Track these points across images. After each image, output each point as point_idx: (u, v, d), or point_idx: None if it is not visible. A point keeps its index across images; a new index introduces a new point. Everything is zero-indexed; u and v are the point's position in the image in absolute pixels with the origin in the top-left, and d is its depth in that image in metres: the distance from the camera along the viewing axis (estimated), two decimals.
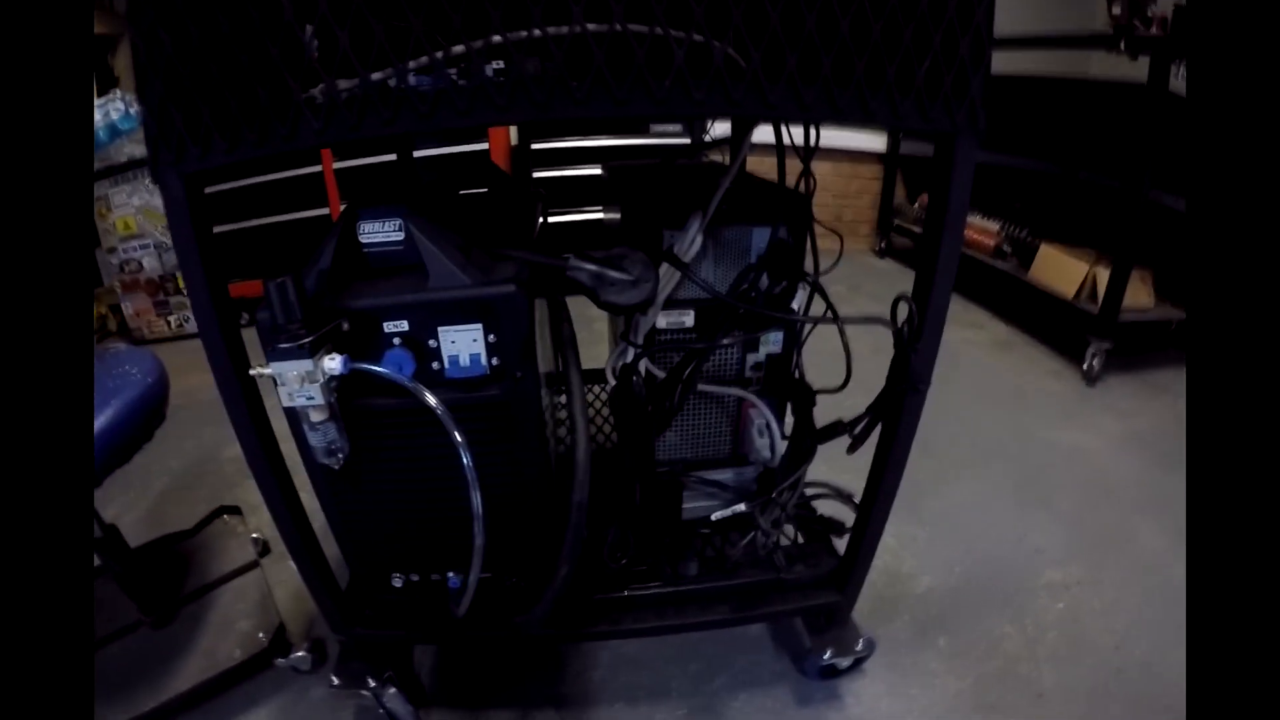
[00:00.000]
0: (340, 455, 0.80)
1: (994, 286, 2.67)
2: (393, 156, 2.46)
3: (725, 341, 0.87)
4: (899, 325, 0.84)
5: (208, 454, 1.81)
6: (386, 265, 0.78)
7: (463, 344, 0.75)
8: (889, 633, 1.27)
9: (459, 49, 0.59)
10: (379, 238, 0.78)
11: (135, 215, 2.46)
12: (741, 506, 0.94)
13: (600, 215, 2.73)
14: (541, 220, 1.15)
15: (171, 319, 2.64)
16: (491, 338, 0.75)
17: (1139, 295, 2.19)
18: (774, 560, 1.00)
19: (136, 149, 2.40)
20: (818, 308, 0.93)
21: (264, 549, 1.38)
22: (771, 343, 0.92)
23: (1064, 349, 2.35)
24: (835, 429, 0.92)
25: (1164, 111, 1.89)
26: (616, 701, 1.10)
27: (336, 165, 2.47)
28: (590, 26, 0.57)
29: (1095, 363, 2.13)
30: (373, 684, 0.99)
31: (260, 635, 1.14)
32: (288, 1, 0.58)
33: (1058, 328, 2.44)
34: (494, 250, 0.79)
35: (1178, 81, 1.89)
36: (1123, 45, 1.97)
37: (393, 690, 1.01)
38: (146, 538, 1.39)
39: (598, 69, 0.59)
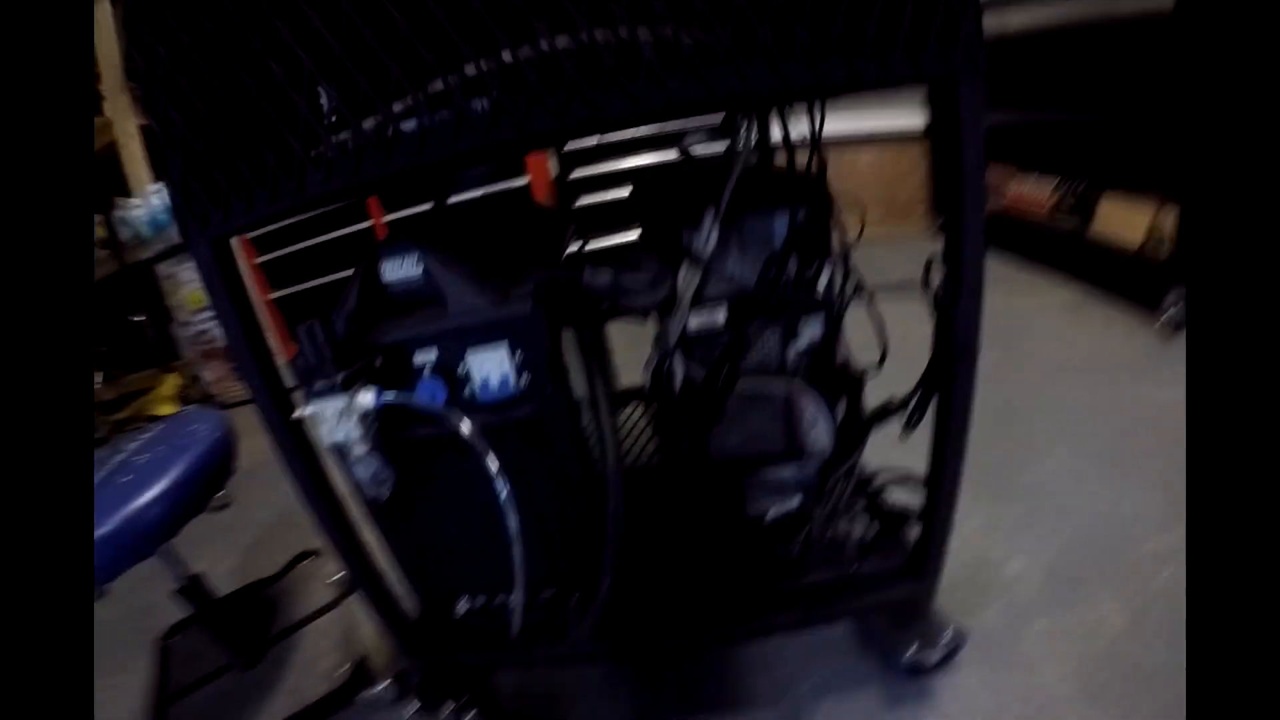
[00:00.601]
0: (387, 487, 0.79)
1: (1056, 249, 2.51)
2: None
3: (751, 331, 0.82)
4: (934, 289, 0.78)
5: (290, 505, 1.86)
6: (410, 300, 0.78)
7: (491, 366, 0.74)
8: (981, 623, 1.18)
9: (438, 87, 0.58)
10: (400, 274, 0.78)
11: (201, 289, 2.59)
12: (794, 504, 0.88)
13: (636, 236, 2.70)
14: (580, 246, 1.13)
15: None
16: (518, 356, 0.73)
17: None
18: (843, 556, 0.94)
19: None
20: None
21: (348, 588, 1.40)
22: (812, 329, 0.86)
23: (1138, 302, 2.18)
24: (885, 410, 0.86)
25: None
26: (702, 713, 1.06)
27: (386, 218, 2.54)
28: (559, 41, 0.55)
29: (1173, 311, 1.96)
30: (451, 708, 0.98)
31: (343, 670, 1.15)
32: (278, 68, 0.59)
33: (1129, 281, 2.26)
34: (511, 272, 0.77)
35: None
36: None
37: (472, 713, 1.00)
38: (238, 585, 1.44)
39: (570, 80, 0.57)
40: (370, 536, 0.89)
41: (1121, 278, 2.26)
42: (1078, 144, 2.54)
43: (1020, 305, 2.42)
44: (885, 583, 0.95)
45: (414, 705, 1.00)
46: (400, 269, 0.77)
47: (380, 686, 1.17)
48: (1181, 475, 1.45)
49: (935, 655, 1.03)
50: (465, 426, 0.69)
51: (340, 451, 0.77)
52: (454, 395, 0.75)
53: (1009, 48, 2.54)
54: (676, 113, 0.63)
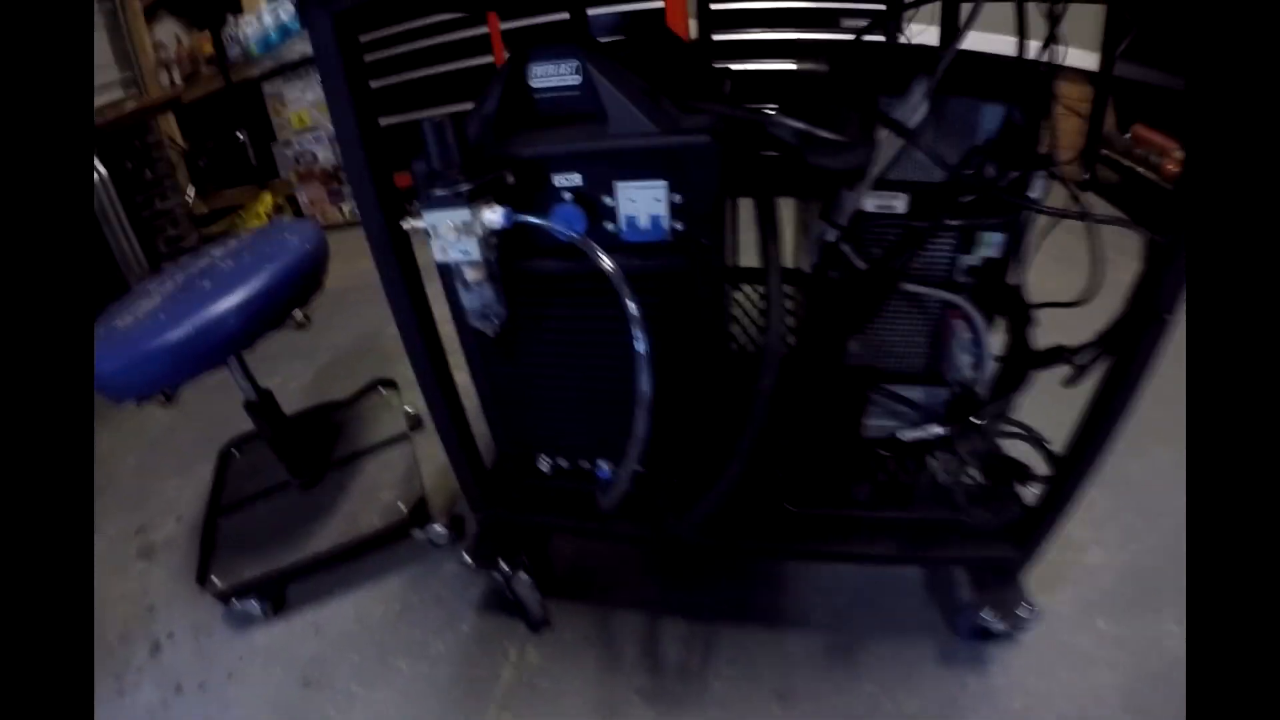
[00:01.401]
0: (496, 321, 0.71)
1: None
2: (563, 15, 2.33)
3: (946, 224, 0.69)
4: (1155, 236, 0.64)
5: (373, 331, 1.82)
6: (559, 112, 0.67)
7: (643, 203, 0.63)
8: (1050, 603, 1.08)
9: None
10: (552, 81, 0.66)
11: (309, 109, 2.52)
12: (938, 429, 0.78)
13: (794, 67, 2.36)
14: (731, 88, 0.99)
15: (345, 206, 2.72)
16: (677, 198, 0.62)
17: None
18: (954, 499, 0.84)
19: (307, 47, 2.44)
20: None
21: (416, 423, 1.36)
22: (990, 244, 0.73)
23: None
24: (1056, 354, 0.74)
25: None
26: (751, 621, 1.00)
27: (504, 26, 2.34)
28: None
29: None
30: (505, 567, 0.93)
31: (400, 505, 1.12)
32: None
33: None
34: (684, 102, 0.65)
35: None
36: None
37: (524, 576, 0.95)
38: (307, 406, 1.41)
39: None
40: (458, 373, 0.82)
41: None
42: None
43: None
44: (987, 539, 0.85)
45: (465, 556, 0.95)
46: (554, 75, 0.66)
47: (435, 528, 1.14)
48: None
49: (1004, 625, 0.94)
50: (607, 262, 0.59)
51: (450, 273, 0.68)
52: (593, 229, 0.65)
53: (1206, 7, 2.22)
54: None
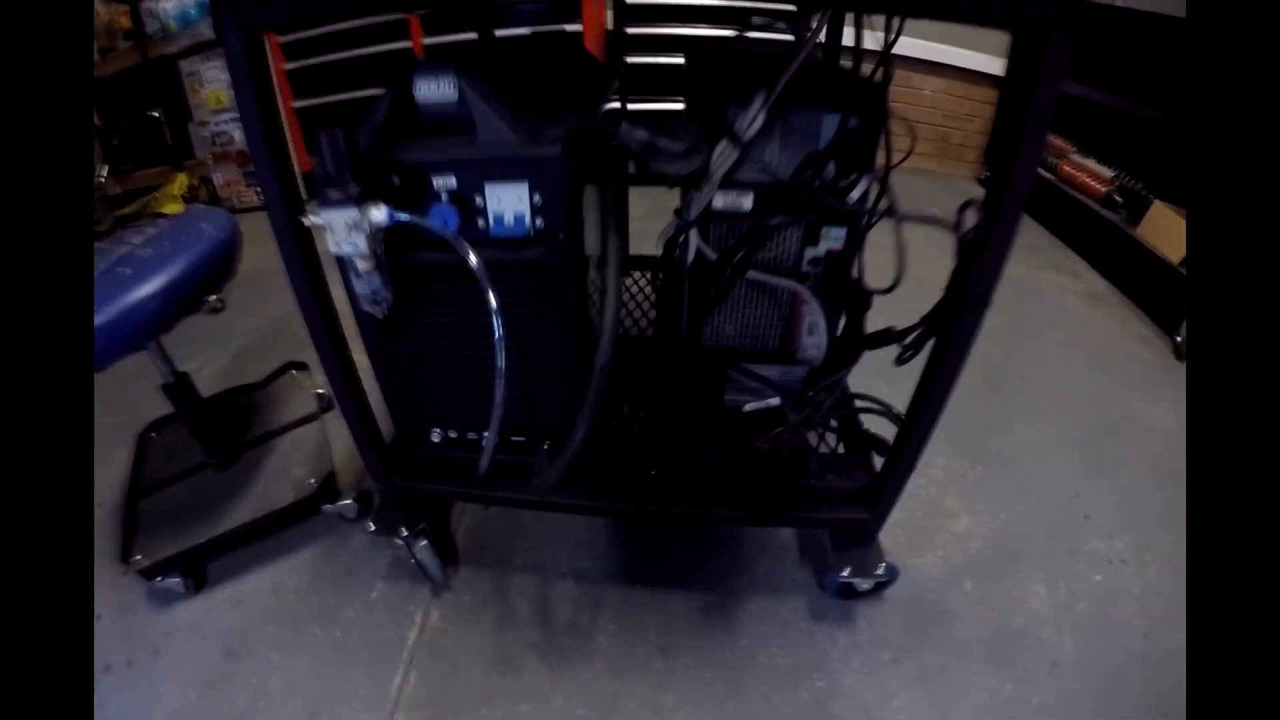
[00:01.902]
0: (384, 305, 0.82)
1: (1098, 237, 2.46)
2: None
3: (776, 222, 0.83)
4: (962, 232, 0.79)
5: (285, 315, 1.90)
6: (439, 123, 0.78)
7: (508, 202, 0.75)
8: (918, 565, 1.25)
9: None
10: (434, 95, 0.78)
11: (226, 89, 2.55)
12: (774, 401, 0.92)
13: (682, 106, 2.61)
14: (621, 104, 1.11)
15: (259, 189, 2.75)
16: (537, 198, 0.74)
17: None
18: (807, 466, 0.98)
19: None
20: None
21: (327, 404, 1.46)
22: (833, 238, 0.87)
23: (1160, 315, 2.18)
24: (885, 336, 0.88)
25: None
26: (636, 583, 1.14)
27: (426, 41, 2.46)
28: None
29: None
30: (405, 534, 1.04)
31: (311, 481, 1.22)
32: None
33: (1157, 291, 2.25)
34: (547, 113, 0.77)
35: None
36: None
37: (424, 543, 1.07)
38: (222, 389, 1.49)
39: None
40: (359, 355, 0.93)
41: (1152, 286, 2.25)
42: (1150, 142, 2.47)
43: (1046, 280, 2.40)
44: (840, 503, 1.00)
45: (369, 525, 1.07)
46: (434, 89, 0.77)
47: (344, 501, 1.25)
48: (1144, 490, 1.49)
49: (867, 583, 1.09)
50: (472, 258, 0.71)
51: (345, 264, 0.79)
52: (466, 226, 0.77)
53: (1111, 22, 2.43)
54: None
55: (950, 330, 0.84)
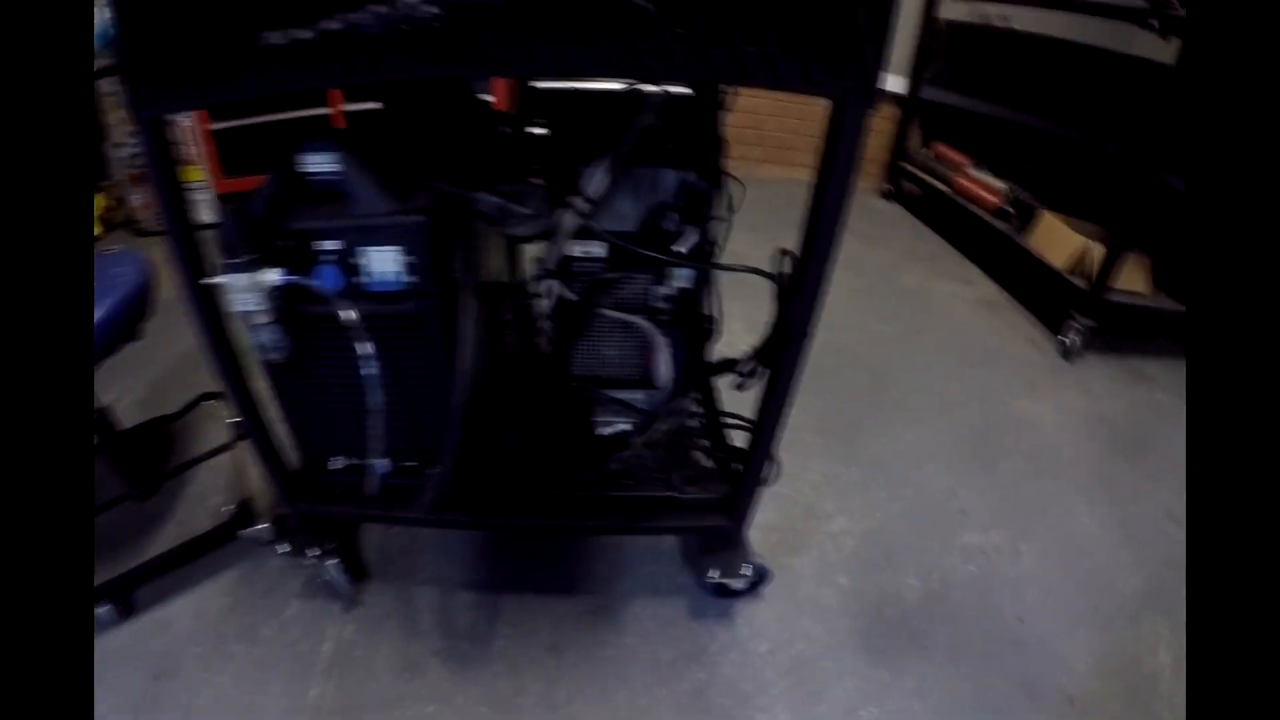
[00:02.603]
0: (282, 352, 0.98)
1: (990, 245, 2.73)
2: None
3: (611, 277, 1.02)
4: (779, 275, 0.98)
5: (199, 346, 2.02)
6: (328, 191, 0.95)
7: (384, 262, 0.92)
8: (793, 564, 1.44)
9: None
10: (321, 167, 0.94)
11: None
12: (624, 425, 1.11)
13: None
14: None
15: None
16: (409, 258, 0.91)
17: (1135, 280, 2.25)
18: (671, 480, 1.17)
19: None
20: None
21: (242, 433, 1.59)
22: (681, 277, 1.06)
23: (1048, 319, 2.43)
24: (726, 365, 1.07)
25: (1186, 96, 1.91)
26: (529, 590, 1.31)
27: (346, 108, 2.58)
28: None
29: (1074, 338, 2.22)
30: (315, 555, 1.20)
31: (228, 509, 1.36)
32: None
33: (1045, 297, 2.50)
34: (417, 182, 0.94)
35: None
36: (1155, 24, 1.98)
37: (333, 562, 1.22)
38: (141, 419, 1.62)
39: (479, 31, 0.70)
40: (265, 392, 1.08)
41: (1040, 292, 2.51)
42: (1042, 155, 2.73)
43: (938, 289, 2.64)
44: (701, 512, 1.18)
45: (285, 547, 1.22)
46: (320, 163, 0.93)
47: (260, 526, 1.39)
48: (1021, 484, 1.71)
49: (738, 583, 1.28)
50: (346, 314, 0.88)
51: (246, 318, 0.96)
52: (349, 283, 0.93)
53: (1003, 42, 2.69)
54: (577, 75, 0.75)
55: (779, 358, 1.03)
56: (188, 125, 2.59)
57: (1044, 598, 1.42)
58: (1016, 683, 1.26)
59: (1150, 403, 2.09)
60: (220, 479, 1.44)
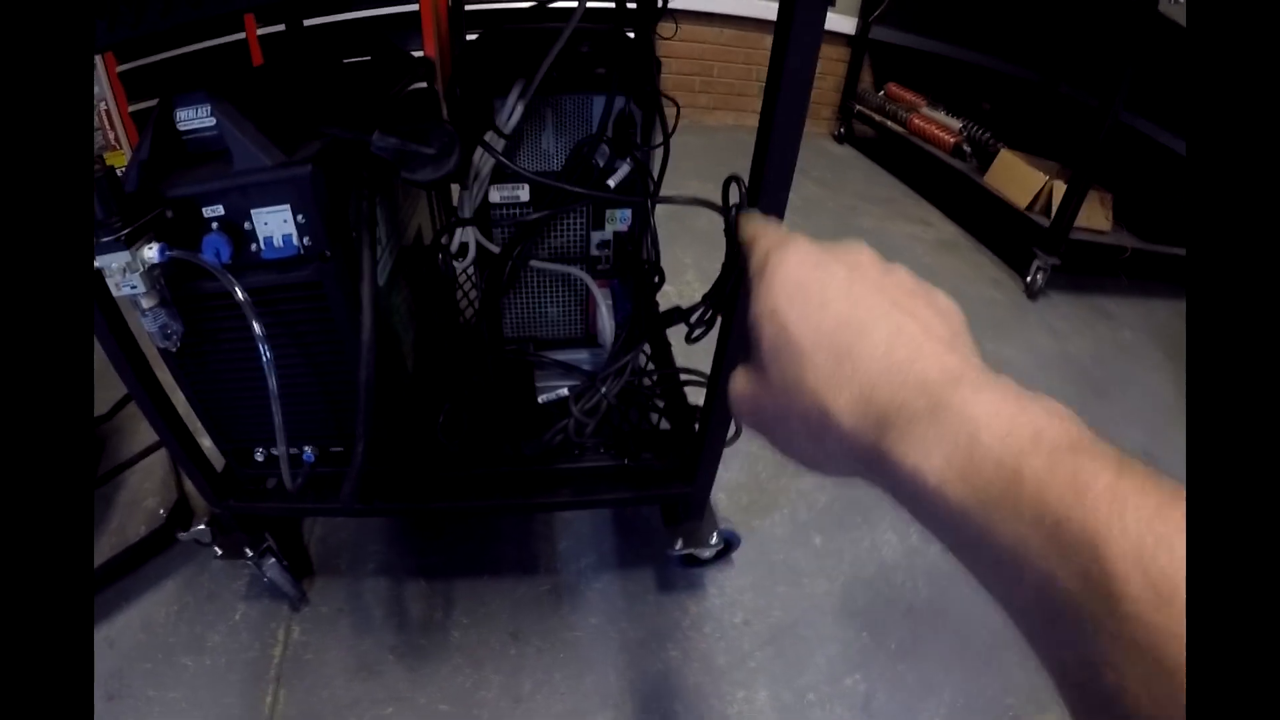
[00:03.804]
0: (175, 338, 0.85)
1: (948, 186, 2.62)
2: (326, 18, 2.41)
3: (537, 217, 0.89)
4: (729, 207, 0.86)
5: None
6: (205, 150, 0.81)
7: (275, 225, 0.79)
8: (764, 527, 1.35)
9: None
10: (195, 124, 0.80)
11: None
12: (564, 390, 0.99)
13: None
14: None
15: None
16: (300, 218, 0.78)
17: (1095, 217, 2.17)
18: (625, 448, 1.05)
19: None
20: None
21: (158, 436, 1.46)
22: (619, 220, 0.94)
23: (1010, 259, 2.34)
24: (673, 316, 0.95)
25: (1148, 33, 1.81)
26: (484, 574, 1.20)
27: (261, 31, 2.41)
28: None
29: (1038, 277, 2.13)
30: (251, 555, 1.08)
31: (161, 512, 1.23)
32: None
33: (1007, 237, 2.41)
34: (307, 129, 0.81)
35: (1170, 5, 1.79)
36: None
37: (271, 561, 1.10)
38: None
39: None
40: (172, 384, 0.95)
41: (1002, 231, 2.41)
42: (999, 94, 2.62)
43: (896, 230, 2.53)
44: (658, 480, 1.07)
45: (215, 550, 1.10)
46: (194, 118, 0.79)
47: (198, 527, 1.27)
48: None
49: (706, 552, 1.18)
50: (238, 291, 0.75)
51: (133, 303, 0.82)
52: (240, 252, 0.80)
53: None
54: None
55: (733, 299, 0.91)
56: (104, 108, 2.40)
57: None
58: (1000, 641, 1.17)
59: (1115, 341, 2.02)
60: (153, 481, 1.31)
